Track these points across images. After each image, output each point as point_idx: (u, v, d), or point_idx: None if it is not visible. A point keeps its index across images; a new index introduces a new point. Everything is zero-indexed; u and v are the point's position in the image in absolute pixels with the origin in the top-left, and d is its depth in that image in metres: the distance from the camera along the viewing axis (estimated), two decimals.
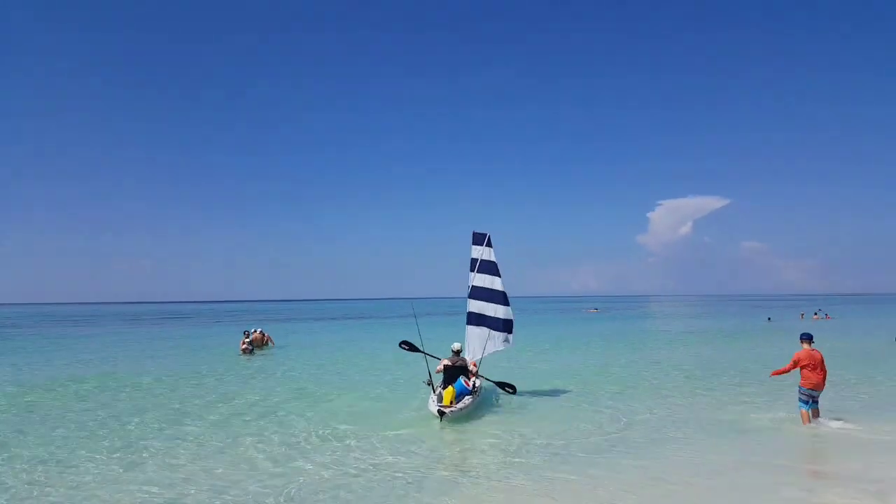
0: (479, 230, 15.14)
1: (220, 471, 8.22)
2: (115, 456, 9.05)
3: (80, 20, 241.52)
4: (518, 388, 13.54)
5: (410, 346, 14.11)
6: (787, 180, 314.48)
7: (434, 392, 12.31)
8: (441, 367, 12.62)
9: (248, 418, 11.87)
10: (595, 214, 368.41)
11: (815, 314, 54.00)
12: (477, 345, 14.65)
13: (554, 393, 14.53)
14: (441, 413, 10.97)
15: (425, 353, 13.67)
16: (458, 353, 13.07)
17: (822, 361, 10.92)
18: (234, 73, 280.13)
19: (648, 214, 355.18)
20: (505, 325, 14.55)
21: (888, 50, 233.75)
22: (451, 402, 11.31)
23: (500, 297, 14.62)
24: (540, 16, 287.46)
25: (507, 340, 14.64)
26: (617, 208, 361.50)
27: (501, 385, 13.47)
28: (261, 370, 20.03)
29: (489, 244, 14.91)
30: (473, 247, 15.06)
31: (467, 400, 11.71)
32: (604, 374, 18.15)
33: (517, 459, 8.56)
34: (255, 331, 29.56)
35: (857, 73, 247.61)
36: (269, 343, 28.78)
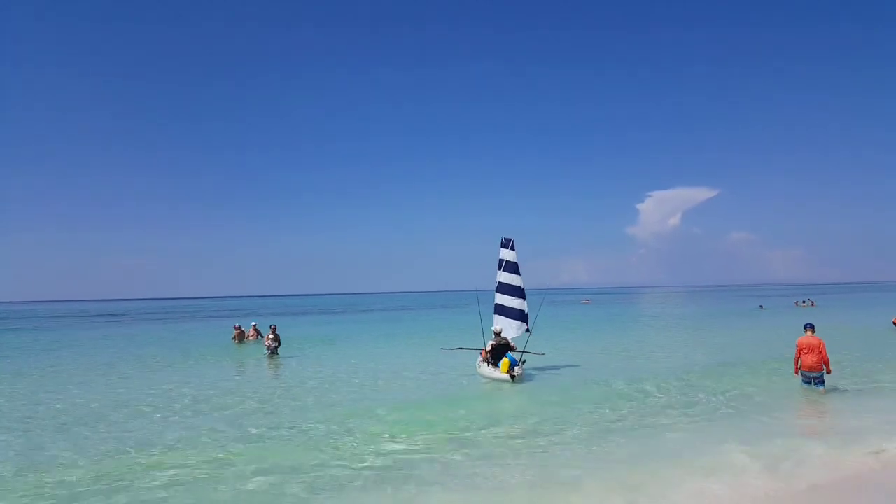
0: (506, 235, 17.85)
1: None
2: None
3: (78, 15, 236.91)
4: (532, 380, 15.43)
5: (451, 349, 18.90)
6: (774, 172, 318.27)
7: (488, 365, 15.96)
8: (490, 346, 16.13)
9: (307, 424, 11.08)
10: (585, 206, 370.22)
11: (804, 302, 59.65)
12: (503, 330, 17.16)
13: (562, 378, 15.74)
14: (512, 377, 14.90)
15: (463, 348, 18.64)
16: (499, 334, 16.34)
17: (818, 347, 12.51)
18: (233, 67, 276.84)
19: (638, 206, 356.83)
20: (521, 316, 17.22)
21: (876, 44, 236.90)
22: (510, 370, 15.01)
23: (518, 292, 17.33)
24: (528, 10, 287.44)
25: (523, 329, 17.23)
26: (606, 200, 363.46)
27: (532, 353, 17.20)
28: (291, 371, 19.12)
29: (513, 248, 17.62)
30: (501, 249, 17.73)
31: (518, 369, 15.24)
32: (606, 360, 19.53)
33: (526, 445, 9.10)
34: (253, 324, 30.43)
35: (843, 66, 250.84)
36: (260, 338, 28.68)
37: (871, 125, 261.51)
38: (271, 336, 22.91)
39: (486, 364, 16.04)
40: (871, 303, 62.57)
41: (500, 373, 15.12)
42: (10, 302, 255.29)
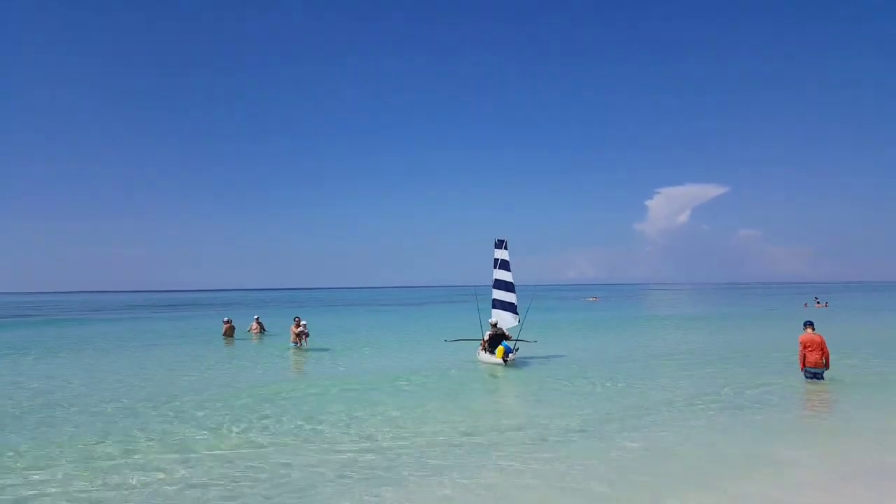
0: (499, 237, 20.32)
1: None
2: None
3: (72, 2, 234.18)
4: (528, 378, 15.88)
5: (454, 340, 20.99)
6: (785, 168, 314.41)
7: (486, 351, 18.19)
8: (488, 336, 18.40)
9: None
10: (592, 202, 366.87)
11: (818, 303, 55.76)
12: (499, 321, 19.38)
13: (563, 377, 15.76)
14: (504, 361, 17.17)
15: (465, 340, 20.69)
16: (495, 325, 18.71)
17: (821, 344, 13.03)
18: (232, 59, 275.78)
19: (646, 202, 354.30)
20: (513, 308, 19.70)
21: (888, 39, 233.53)
22: (504, 356, 17.19)
23: (511, 287, 19.80)
24: (535, 2, 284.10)
25: (515, 319, 19.59)
26: (615, 196, 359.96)
27: (524, 340, 19.09)
28: (316, 361, 19.76)
29: (505, 247, 20.03)
30: (496, 250, 20.18)
31: (511, 355, 17.51)
32: (609, 358, 19.56)
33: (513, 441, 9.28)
34: (256, 317, 30.58)
35: (855, 61, 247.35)
36: (264, 332, 29.44)
37: (884, 123, 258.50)
38: (304, 323, 22.64)
39: (484, 351, 18.37)
40: (884, 302, 61.82)
41: (496, 358, 17.41)
42: (8, 293, 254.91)
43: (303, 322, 22.70)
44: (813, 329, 13.20)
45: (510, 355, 17.39)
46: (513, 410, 11.76)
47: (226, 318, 28.95)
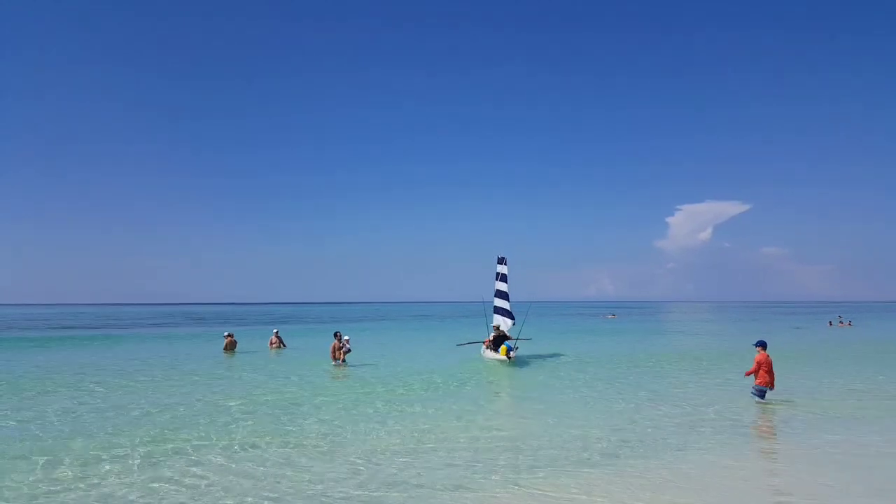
0: (507, 253, 24.90)
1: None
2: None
3: (80, 7, 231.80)
4: (539, 391, 16.53)
5: (464, 343, 25.60)
6: (808, 185, 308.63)
7: (489, 349, 22.51)
8: (492, 337, 22.79)
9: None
10: (613, 219, 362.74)
11: (841, 322, 54.96)
12: (500, 325, 23.82)
13: (569, 392, 15.93)
14: (508, 358, 20.85)
15: (473, 342, 25.41)
16: (497, 327, 23.26)
17: (771, 364, 13.77)
18: (236, 63, 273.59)
19: (668, 219, 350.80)
20: (510, 314, 24.04)
21: None
22: (507, 353, 20.88)
23: (507, 297, 24.17)
24: (553, 11, 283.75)
25: (510, 323, 23.88)
26: (636, 213, 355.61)
27: (522, 339, 23.73)
28: (358, 376, 19.21)
29: (505, 263, 24.45)
30: (498, 265, 24.66)
31: (513, 353, 21.20)
32: (629, 376, 19.26)
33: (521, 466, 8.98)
34: (275, 331, 30.70)
35: (881, 76, 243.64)
36: (283, 346, 29.54)
37: None
38: (347, 338, 22.17)
39: (489, 350, 22.33)
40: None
41: (500, 355, 20.98)
42: (18, 304, 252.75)
43: (345, 337, 22.12)
44: (765, 349, 13.92)
45: (512, 353, 20.97)
46: (535, 431, 11.38)
47: (227, 333, 28.98)
